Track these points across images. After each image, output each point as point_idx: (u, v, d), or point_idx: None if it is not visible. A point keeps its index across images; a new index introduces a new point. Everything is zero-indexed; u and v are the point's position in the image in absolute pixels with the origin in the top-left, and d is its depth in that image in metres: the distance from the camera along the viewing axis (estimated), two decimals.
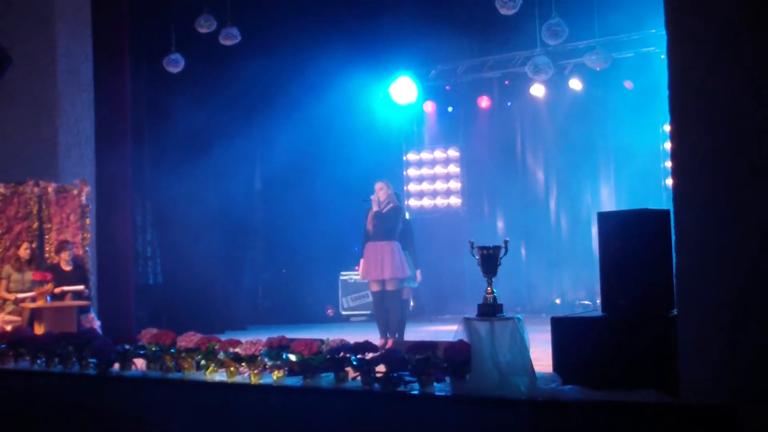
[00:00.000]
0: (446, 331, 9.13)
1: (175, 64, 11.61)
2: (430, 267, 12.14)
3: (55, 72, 10.62)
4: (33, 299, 9.29)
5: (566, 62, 13.30)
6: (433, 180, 15.20)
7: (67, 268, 9.81)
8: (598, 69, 12.37)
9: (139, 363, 6.50)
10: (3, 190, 10.04)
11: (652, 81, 12.46)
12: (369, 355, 5.36)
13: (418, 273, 9.61)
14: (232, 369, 5.89)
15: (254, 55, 12.59)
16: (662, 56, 11.00)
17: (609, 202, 13.43)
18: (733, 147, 4.44)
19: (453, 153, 15.08)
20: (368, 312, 13.38)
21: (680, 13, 4.65)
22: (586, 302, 12.96)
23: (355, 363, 5.37)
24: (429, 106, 14.96)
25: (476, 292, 6.23)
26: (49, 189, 10.11)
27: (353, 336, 6.20)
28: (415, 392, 5.08)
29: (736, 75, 4.45)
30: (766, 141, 4.36)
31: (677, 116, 4.66)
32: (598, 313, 5.47)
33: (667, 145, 11.77)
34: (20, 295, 9.43)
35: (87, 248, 10.25)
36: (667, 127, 7.23)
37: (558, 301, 13.72)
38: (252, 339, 5.90)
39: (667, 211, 5.10)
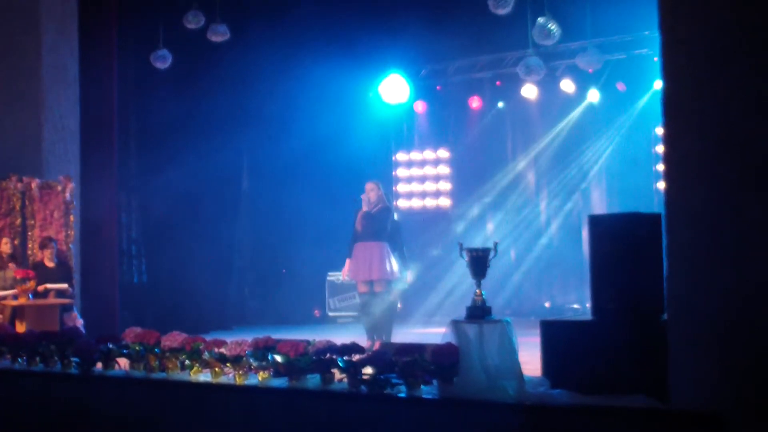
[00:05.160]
0: (434, 333, 9.06)
1: (163, 60, 11.51)
2: (419, 268, 12.08)
3: (41, 67, 10.50)
4: (15, 297, 9.20)
5: (558, 63, 13.25)
6: (423, 181, 15.11)
7: (51, 264, 9.72)
8: (590, 71, 12.34)
9: (123, 363, 6.48)
10: None
11: (644, 83, 12.47)
12: (356, 357, 5.35)
13: (409, 274, 9.54)
14: (217, 369, 5.89)
15: (243, 53, 12.51)
16: (655, 59, 10.99)
17: (600, 205, 13.44)
18: (726, 152, 4.44)
19: (443, 153, 15.00)
20: (355, 313, 13.30)
21: (674, 17, 4.65)
22: (576, 306, 12.95)
23: (341, 365, 5.36)
24: (419, 106, 14.88)
25: (465, 294, 6.19)
26: (33, 185, 10.00)
27: (340, 337, 6.15)
28: (402, 395, 5.08)
29: (730, 80, 4.45)
30: (759, 146, 4.35)
31: (670, 120, 4.65)
32: (588, 316, 5.44)
33: (659, 149, 11.77)
34: (2, 293, 9.33)
35: (71, 245, 10.15)
36: (660, 130, 7.22)
37: (547, 304, 13.70)
38: (237, 339, 5.92)
39: (659, 215, 5.08)
